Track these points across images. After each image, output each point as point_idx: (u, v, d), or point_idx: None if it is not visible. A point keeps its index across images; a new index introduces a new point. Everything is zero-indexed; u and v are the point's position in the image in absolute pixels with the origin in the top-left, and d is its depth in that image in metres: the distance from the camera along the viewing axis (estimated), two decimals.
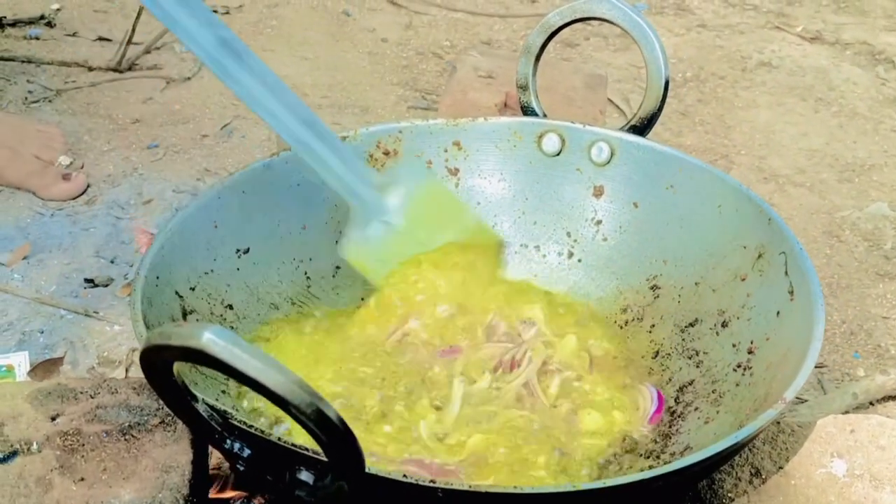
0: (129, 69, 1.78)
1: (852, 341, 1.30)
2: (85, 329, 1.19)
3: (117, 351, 1.17)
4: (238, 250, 0.92)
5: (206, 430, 0.65)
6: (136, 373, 1.15)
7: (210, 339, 0.54)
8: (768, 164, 1.68)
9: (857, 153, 1.71)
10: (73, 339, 1.18)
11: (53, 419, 0.76)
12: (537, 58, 1.02)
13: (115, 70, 1.77)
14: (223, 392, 0.82)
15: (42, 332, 1.18)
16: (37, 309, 1.22)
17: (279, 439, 0.63)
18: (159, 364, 0.60)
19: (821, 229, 1.50)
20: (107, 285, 1.27)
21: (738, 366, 0.81)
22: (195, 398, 0.63)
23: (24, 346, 1.16)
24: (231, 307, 0.89)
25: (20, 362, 1.12)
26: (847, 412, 1.16)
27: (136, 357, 1.17)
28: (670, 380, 0.86)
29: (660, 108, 0.96)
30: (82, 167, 1.50)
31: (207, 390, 0.80)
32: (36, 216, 1.38)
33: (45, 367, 1.11)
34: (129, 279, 1.28)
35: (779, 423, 0.82)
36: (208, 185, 1.00)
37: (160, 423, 0.77)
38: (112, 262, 1.31)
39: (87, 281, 1.27)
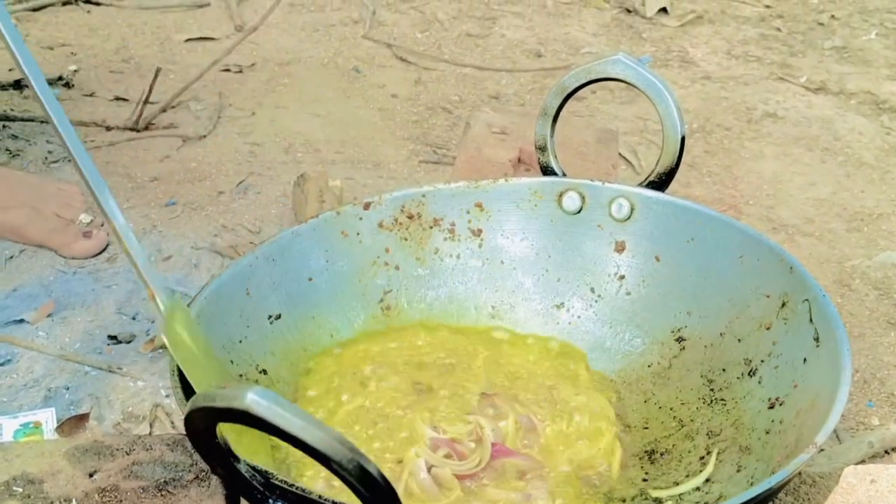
0: (146, 128, 1.82)
1: (866, 390, 1.32)
2: (109, 385, 1.21)
3: (141, 406, 1.19)
4: (270, 316, 0.94)
5: (248, 489, 0.66)
6: (160, 428, 1.16)
7: (253, 400, 0.55)
8: (776, 214, 1.70)
9: (864, 202, 1.73)
10: (98, 395, 1.19)
11: (91, 476, 0.77)
12: (555, 119, 1.05)
13: (132, 129, 1.80)
14: None
15: (68, 389, 1.20)
16: (62, 366, 1.23)
17: (320, 497, 0.65)
18: (203, 426, 0.61)
19: (831, 278, 1.51)
20: (129, 342, 1.29)
21: (768, 413, 0.82)
22: (237, 459, 0.65)
23: (51, 403, 1.17)
24: (265, 372, 0.91)
25: (47, 419, 1.13)
26: (863, 461, 1.17)
27: (160, 413, 1.18)
28: (699, 430, 0.87)
29: (677, 164, 0.98)
30: (102, 225, 1.52)
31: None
32: (59, 274, 1.40)
33: (71, 424, 1.13)
34: (151, 335, 1.29)
35: (800, 473, 0.83)
36: (241, 255, 1.02)
37: (195, 478, 0.78)
38: (134, 318, 1.33)
39: (111, 337, 1.29)
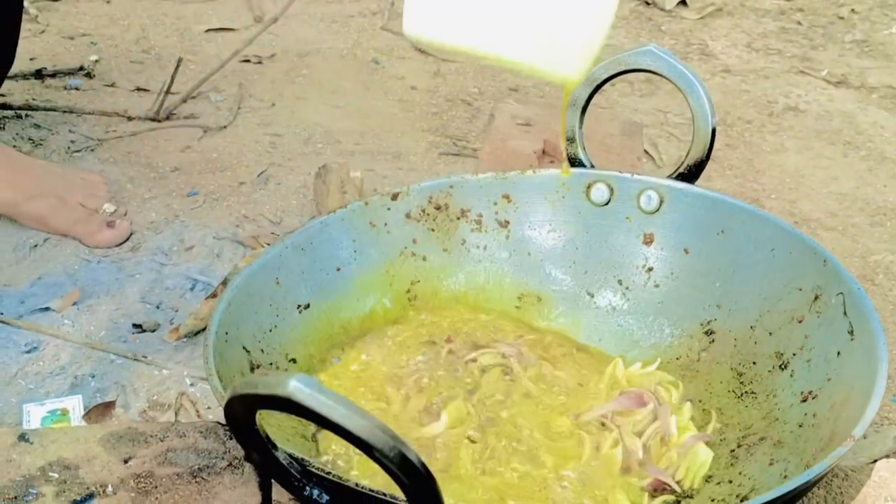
0: (168, 118, 1.82)
1: (890, 385, 1.31)
2: (135, 373, 1.21)
3: (167, 395, 1.19)
4: (299, 306, 0.95)
5: (286, 477, 0.67)
6: (186, 417, 1.17)
7: (296, 387, 0.56)
8: (799, 209, 1.69)
9: (887, 197, 1.73)
10: (123, 382, 1.20)
11: (126, 462, 0.77)
12: (583, 110, 1.05)
13: (153, 119, 1.80)
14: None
15: (93, 377, 1.20)
16: (87, 353, 1.24)
17: (356, 485, 0.65)
18: (243, 413, 0.62)
19: (854, 273, 1.50)
20: (154, 330, 1.29)
21: (800, 407, 0.82)
22: (275, 446, 0.65)
23: (77, 390, 1.18)
24: (294, 361, 0.92)
25: (74, 406, 1.14)
26: (888, 456, 1.17)
27: (186, 401, 1.19)
28: (730, 423, 0.87)
29: (707, 156, 0.98)
30: (125, 214, 1.52)
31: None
32: (83, 263, 1.40)
33: (98, 411, 1.13)
34: (175, 324, 1.30)
35: (833, 467, 0.83)
36: (271, 244, 1.03)
37: (228, 465, 0.78)
38: (158, 307, 1.34)
39: (135, 326, 1.29)
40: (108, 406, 1.14)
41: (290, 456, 0.67)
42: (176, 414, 1.17)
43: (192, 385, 1.20)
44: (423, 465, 0.58)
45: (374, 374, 0.93)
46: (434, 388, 0.91)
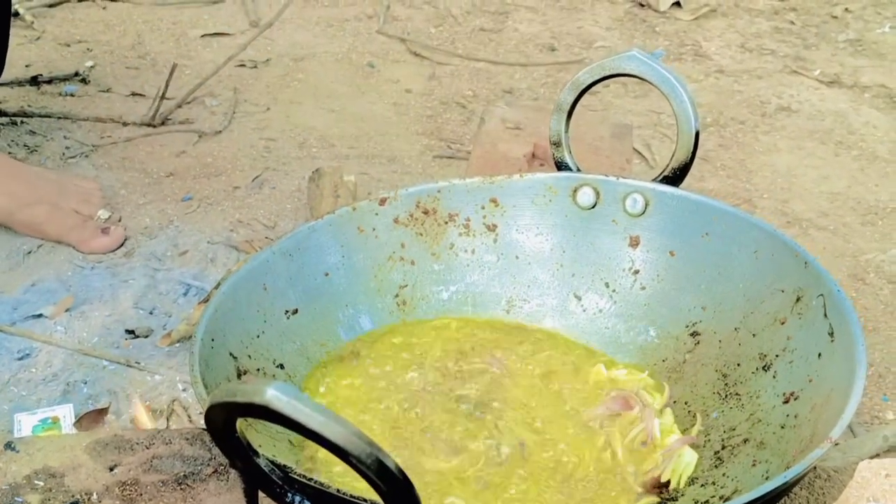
0: (163, 124, 1.82)
1: (881, 384, 1.32)
2: (127, 379, 1.22)
3: (159, 400, 1.20)
4: (287, 311, 0.95)
5: (268, 483, 0.67)
6: (178, 422, 1.17)
7: (274, 395, 0.56)
8: (791, 208, 1.70)
9: (879, 196, 1.73)
10: (115, 389, 1.20)
11: (111, 469, 0.78)
12: (569, 115, 1.05)
13: (148, 125, 1.81)
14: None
15: (86, 383, 1.21)
16: (80, 360, 1.24)
17: (338, 491, 0.66)
18: (223, 421, 0.62)
19: (846, 272, 1.51)
20: (147, 336, 1.30)
21: (782, 408, 0.83)
22: (256, 453, 0.66)
23: (69, 397, 1.18)
24: (282, 367, 0.92)
25: (65, 414, 1.14)
26: (877, 455, 1.17)
27: (178, 407, 1.19)
28: (714, 425, 0.88)
29: (691, 159, 0.99)
30: (120, 220, 1.53)
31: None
32: (77, 269, 1.41)
33: (90, 418, 1.14)
34: (168, 330, 1.30)
35: (815, 468, 0.84)
36: (257, 250, 1.03)
37: (213, 472, 0.79)
38: (151, 313, 1.34)
39: (128, 332, 1.30)
40: (101, 413, 1.15)
41: (272, 462, 0.67)
42: (168, 420, 1.17)
43: (184, 390, 1.21)
44: (401, 471, 0.58)
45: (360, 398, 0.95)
46: (428, 413, 0.92)
